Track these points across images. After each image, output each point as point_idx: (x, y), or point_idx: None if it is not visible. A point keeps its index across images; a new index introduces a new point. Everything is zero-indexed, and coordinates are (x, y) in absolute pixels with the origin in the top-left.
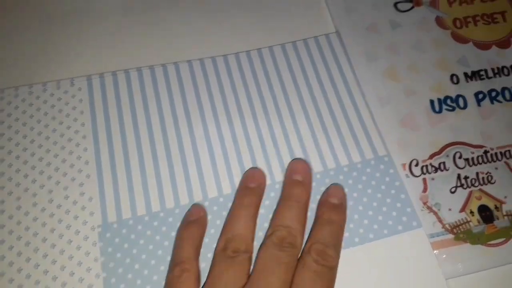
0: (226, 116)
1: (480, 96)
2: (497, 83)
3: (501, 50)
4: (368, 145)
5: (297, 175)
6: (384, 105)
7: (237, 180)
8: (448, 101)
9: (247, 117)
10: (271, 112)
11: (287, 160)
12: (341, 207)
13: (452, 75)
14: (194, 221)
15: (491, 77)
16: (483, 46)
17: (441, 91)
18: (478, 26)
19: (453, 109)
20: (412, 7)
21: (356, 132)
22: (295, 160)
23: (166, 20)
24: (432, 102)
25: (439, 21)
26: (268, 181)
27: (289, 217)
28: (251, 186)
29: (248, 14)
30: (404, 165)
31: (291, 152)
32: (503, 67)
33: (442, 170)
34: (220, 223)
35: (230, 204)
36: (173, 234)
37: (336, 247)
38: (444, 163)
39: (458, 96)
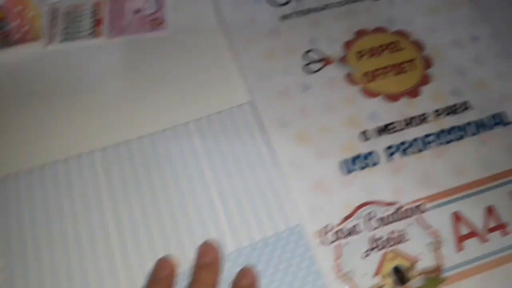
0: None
1: (391, 150)
2: (408, 134)
3: (410, 100)
4: (280, 216)
5: (206, 258)
6: (297, 171)
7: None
8: (360, 159)
9: (158, 194)
10: (184, 188)
11: (200, 238)
12: None
13: (363, 132)
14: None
15: (401, 129)
16: (393, 98)
17: (352, 149)
18: (388, 78)
19: (365, 167)
20: (323, 67)
21: (270, 203)
22: (205, 242)
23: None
24: (343, 162)
25: (350, 78)
26: (181, 267)
27: None
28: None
29: (163, 89)
30: (316, 233)
31: (205, 230)
32: (413, 117)
33: (354, 234)
34: None
35: None
36: None
37: None
38: (356, 225)
39: (370, 152)
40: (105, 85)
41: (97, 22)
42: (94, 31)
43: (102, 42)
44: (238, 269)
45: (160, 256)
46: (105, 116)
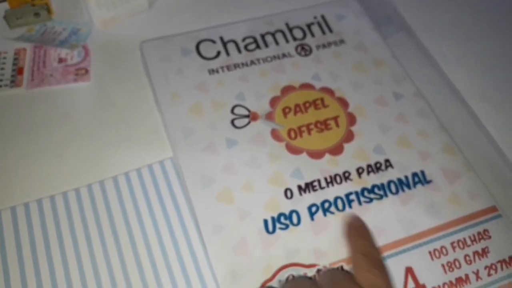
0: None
1: (314, 209)
2: (330, 193)
3: (333, 158)
4: (198, 282)
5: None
6: (217, 233)
7: None
8: (282, 219)
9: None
10: (96, 248)
11: None
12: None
13: (286, 190)
14: None
15: (323, 187)
16: (316, 155)
17: (275, 208)
18: (312, 134)
19: (287, 227)
20: (249, 122)
21: (187, 267)
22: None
23: None
24: (266, 222)
25: (275, 134)
26: None
27: None
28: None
29: (81, 144)
30: None
31: None
32: (336, 175)
33: None
34: None
35: None
36: None
37: None
38: None
39: (292, 211)
40: (23, 137)
41: (18, 71)
42: (15, 80)
43: (22, 92)
44: None
45: None
46: (19, 170)
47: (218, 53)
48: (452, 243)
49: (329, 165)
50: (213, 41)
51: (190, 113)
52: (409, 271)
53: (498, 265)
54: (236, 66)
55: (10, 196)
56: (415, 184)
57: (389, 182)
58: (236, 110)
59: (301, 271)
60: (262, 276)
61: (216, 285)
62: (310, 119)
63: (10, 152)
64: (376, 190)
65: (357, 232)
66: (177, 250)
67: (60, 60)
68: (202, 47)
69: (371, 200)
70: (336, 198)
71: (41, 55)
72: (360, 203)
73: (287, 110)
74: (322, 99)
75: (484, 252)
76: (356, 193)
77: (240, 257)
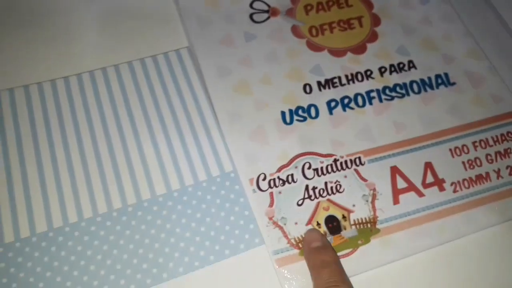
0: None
1: (333, 104)
2: (350, 89)
3: (355, 56)
4: (215, 162)
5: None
6: (234, 121)
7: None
8: (300, 112)
9: (86, 139)
10: (112, 134)
11: (127, 182)
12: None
13: (305, 85)
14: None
15: (344, 84)
16: (338, 53)
17: (293, 102)
18: (334, 33)
19: (304, 120)
20: (268, 18)
21: (204, 149)
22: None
23: None
24: (283, 113)
25: (295, 31)
26: (104, 209)
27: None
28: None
29: (100, 30)
30: (251, 180)
31: (132, 175)
32: (357, 73)
33: (290, 183)
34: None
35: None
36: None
37: None
38: (292, 175)
39: (310, 105)
40: (37, 22)
41: None
42: None
43: None
44: (166, 212)
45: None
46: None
47: None
48: (473, 142)
49: (350, 63)
50: None
51: (207, 4)
52: (428, 165)
53: None
54: None
55: (30, 75)
56: (438, 85)
57: (412, 82)
58: (255, 5)
59: (317, 160)
60: (279, 161)
61: (233, 167)
62: (332, 17)
63: (22, 36)
64: (398, 88)
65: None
66: (194, 136)
67: None
68: None
69: (392, 98)
70: (356, 95)
71: None
72: (381, 100)
73: (309, 7)
74: None
75: (507, 152)
76: (378, 90)
77: (257, 143)
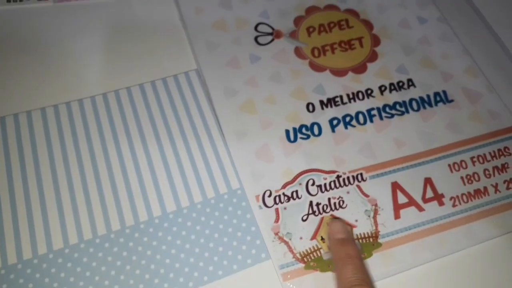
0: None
1: (335, 122)
2: (352, 108)
3: (356, 76)
4: (222, 179)
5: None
6: (240, 139)
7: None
8: (303, 130)
9: (99, 156)
10: (124, 152)
11: (139, 200)
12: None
13: (308, 104)
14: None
15: (346, 103)
16: (339, 73)
17: (297, 120)
18: (336, 53)
19: (308, 137)
20: (272, 40)
21: (212, 168)
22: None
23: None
24: (287, 132)
25: (298, 52)
26: (118, 226)
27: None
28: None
29: (108, 54)
30: (257, 196)
31: (144, 192)
32: (358, 91)
33: (294, 199)
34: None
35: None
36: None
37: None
38: (296, 191)
39: (313, 123)
40: (48, 47)
41: None
42: None
43: (49, 5)
44: (176, 229)
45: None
46: (43, 77)
47: None
48: (472, 158)
49: (352, 83)
50: None
51: (214, 28)
52: (428, 181)
53: None
54: None
55: (36, 99)
56: (436, 102)
57: (411, 100)
58: (260, 28)
59: (320, 176)
60: (283, 178)
61: (240, 185)
62: (334, 39)
63: (34, 61)
64: (397, 106)
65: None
66: (203, 155)
67: None
68: None
69: (392, 115)
70: (357, 113)
71: None
72: (381, 118)
73: (311, 29)
74: (346, 20)
75: (504, 167)
76: (378, 108)
77: (262, 161)
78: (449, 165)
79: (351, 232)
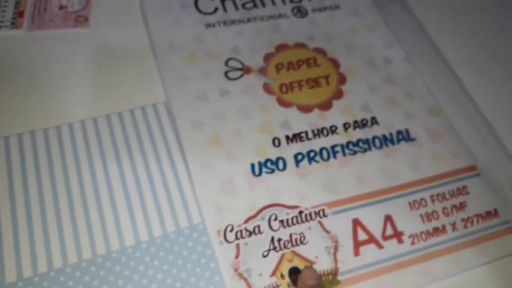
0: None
1: (299, 157)
2: (316, 144)
3: (322, 112)
4: (184, 213)
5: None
6: (205, 171)
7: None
8: (268, 164)
9: (61, 191)
10: (86, 185)
11: (98, 234)
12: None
13: (274, 138)
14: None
15: (310, 138)
16: (305, 109)
17: (262, 154)
18: (303, 90)
19: (273, 172)
20: (242, 75)
21: (174, 201)
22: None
23: None
24: (252, 165)
25: (267, 88)
26: (75, 259)
27: None
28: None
29: (77, 83)
30: (219, 231)
31: (103, 225)
32: (323, 128)
33: (256, 234)
34: None
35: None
36: None
37: None
38: (259, 226)
39: (279, 158)
40: (20, 75)
41: (19, 14)
42: (16, 22)
43: (21, 34)
44: (134, 263)
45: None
46: (13, 104)
47: (216, 9)
48: (431, 196)
49: (317, 119)
50: None
51: (185, 62)
52: (388, 218)
53: (475, 219)
54: (232, 22)
55: (5, 126)
56: (399, 140)
57: (374, 137)
58: (230, 63)
59: (283, 211)
60: (246, 212)
61: (201, 219)
62: (302, 76)
63: (4, 88)
64: (360, 144)
65: None
66: (165, 186)
67: (61, 7)
68: (200, 2)
69: (355, 152)
70: (321, 149)
71: (42, 1)
72: (344, 154)
73: (280, 66)
74: (314, 59)
75: (462, 206)
76: (342, 145)
77: (226, 194)
78: (409, 202)
79: (321, 280)
